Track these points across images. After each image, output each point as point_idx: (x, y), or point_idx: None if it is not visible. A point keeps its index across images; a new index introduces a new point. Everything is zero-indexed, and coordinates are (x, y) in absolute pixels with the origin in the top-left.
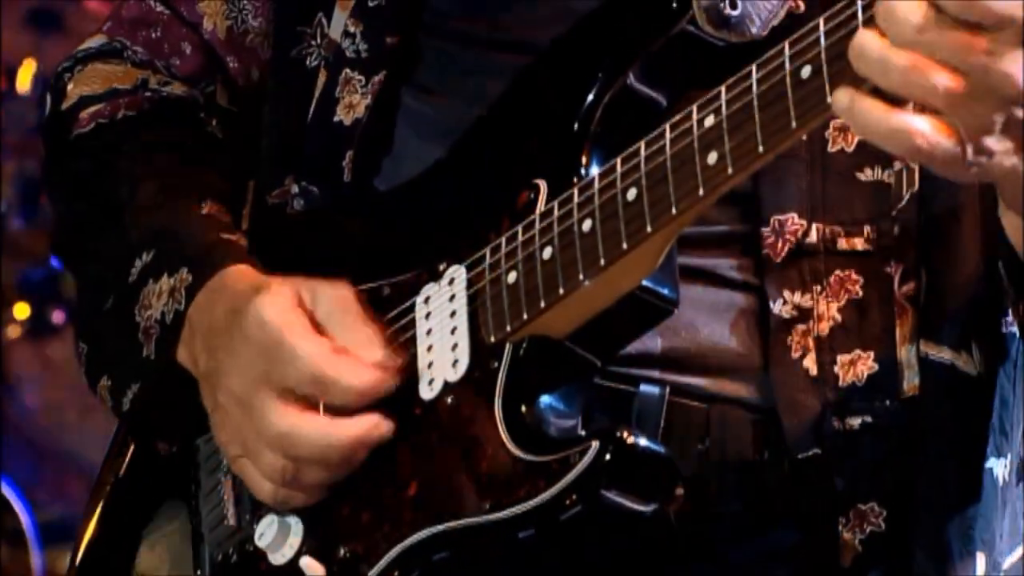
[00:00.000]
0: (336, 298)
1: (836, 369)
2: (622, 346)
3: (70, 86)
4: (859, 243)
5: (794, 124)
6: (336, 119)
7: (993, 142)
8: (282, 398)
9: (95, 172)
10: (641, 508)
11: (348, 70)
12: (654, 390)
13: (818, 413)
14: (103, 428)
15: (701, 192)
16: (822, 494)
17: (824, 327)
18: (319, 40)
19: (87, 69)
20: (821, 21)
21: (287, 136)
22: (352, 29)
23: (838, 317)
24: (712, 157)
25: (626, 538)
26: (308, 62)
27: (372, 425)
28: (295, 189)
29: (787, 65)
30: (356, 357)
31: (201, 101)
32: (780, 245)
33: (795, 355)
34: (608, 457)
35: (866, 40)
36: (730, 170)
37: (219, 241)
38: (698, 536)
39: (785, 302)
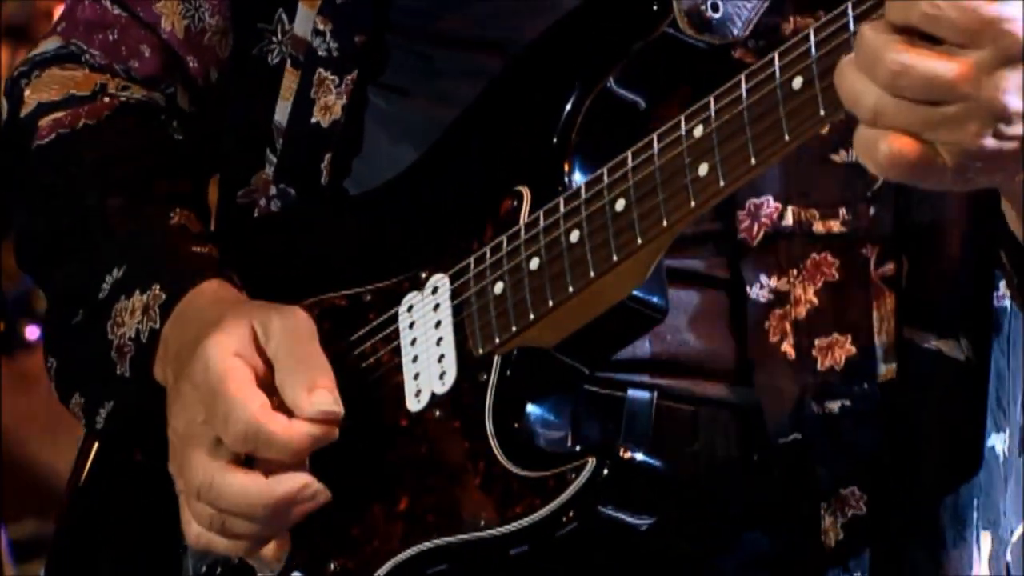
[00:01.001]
0: (287, 333)
1: (814, 353)
2: (611, 354)
3: (27, 92)
4: (835, 225)
5: (787, 137)
6: (313, 121)
7: (978, 161)
8: (212, 450)
9: (59, 184)
10: (637, 522)
11: (321, 70)
12: (643, 395)
13: (797, 398)
14: (78, 442)
15: (692, 204)
16: (804, 480)
17: (801, 311)
18: (280, 37)
19: (44, 75)
20: (812, 31)
21: (252, 135)
22: (321, 27)
23: (815, 300)
24: (703, 169)
25: (621, 551)
26: (269, 59)
27: (301, 485)
28: (272, 191)
29: (778, 76)
30: (305, 401)
31: (162, 103)
32: (756, 229)
33: (773, 339)
34: (605, 474)
35: (842, 72)
36: (722, 182)
37: (191, 255)
38: (691, 543)
39: (762, 286)
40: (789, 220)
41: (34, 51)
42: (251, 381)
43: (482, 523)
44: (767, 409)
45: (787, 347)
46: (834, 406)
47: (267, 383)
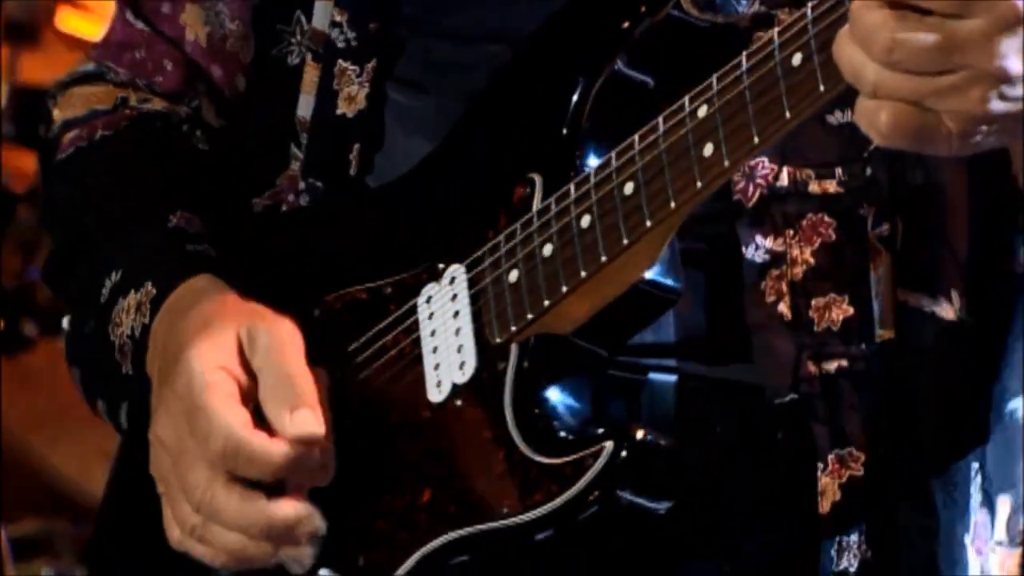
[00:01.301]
0: (273, 347)
1: (811, 313)
2: (629, 337)
3: (55, 111)
4: (831, 186)
5: (788, 114)
6: (339, 112)
7: (983, 125)
8: (212, 465)
9: (71, 197)
10: (655, 506)
11: (341, 61)
12: (665, 378)
13: (794, 358)
14: (78, 441)
15: (699, 185)
16: (800, 440)
17: (798, 271)
18: (299, 37)
19: (69, 93)
20: (809, 7)
21: (274, 136)
22: (338, 18)
23: (811, 261)
24: (708, 149)
25: (641, 536)
26: (289, 60)
27: (300, 515)
28: (301, 185)
29: (777, 53)
30: (287, 421)
31: (183, 115)
32: (751, 190)
33: (769, 299)
34: (622, 457)
35: (840, 46)
36: (726, 162)
37: (184, 254)
38: (713, 529)
39: (758, 247)
40: (784, 181)
41: (65, 74)
42: (234, 396)
43: (504, 511)
44: (764, 371)
45: (783, 308)
46: (831, 366)
47: (251, 396)
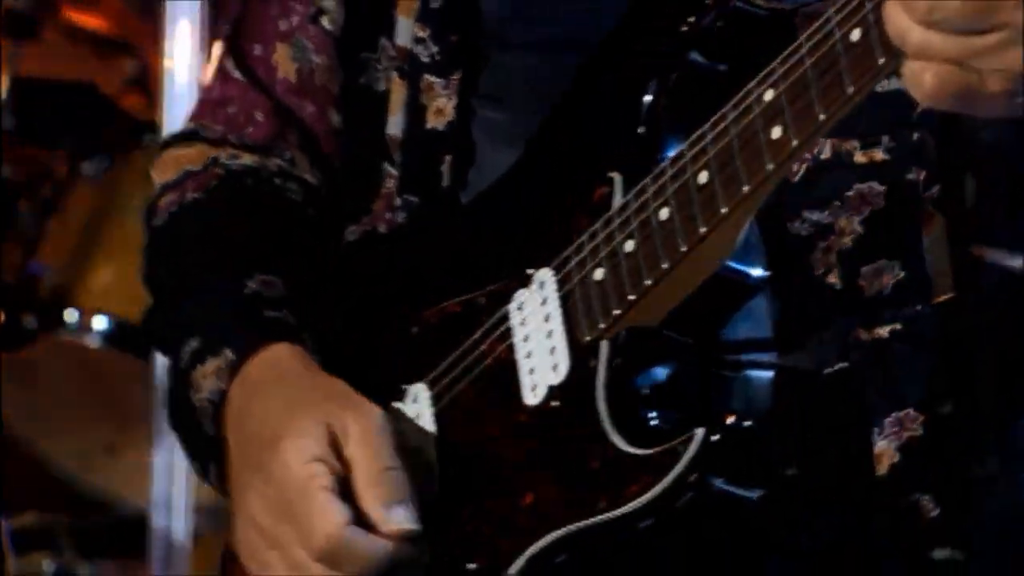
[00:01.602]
0: (364, 438)
1: (860, 281)
2: (716, 326)
3: (155, 176)
4: (877, 155)
5: (851, 89)
6: (429, 126)
7: None
8: (309, 557)
9: (162, 263)
10: (747, 494)
11: (427, 75)
12: (760, 374)
13: (844, 327)
14: (78, 435)
15: (770, 167)
16: (853, 407)
17: (847, 241)
18: (385, 63)
19: (165, 156)
20: None
21: (365, 164)
22: (421, 34)
23: (860, 229)
24: (776, 131)
25: (734, 525)
26: (375, 87)
27: None
28: (397, 201)
29: (836, 31)
30: (385, 518)
31: (274, 168)
32: (796, 164)
33: (818, 272)
34: (713, 442)
35: (887, 13)
36: (795, 142)
37: (261, 320)
38: (800, 517)
39: (803, 220)
40: (828, 153)
41: (165, 136)
42: (333, 491)
43: (603, 505)
44: (812, 343)
45: (833, 278)
46: (883, 331)
47: (346, 487)
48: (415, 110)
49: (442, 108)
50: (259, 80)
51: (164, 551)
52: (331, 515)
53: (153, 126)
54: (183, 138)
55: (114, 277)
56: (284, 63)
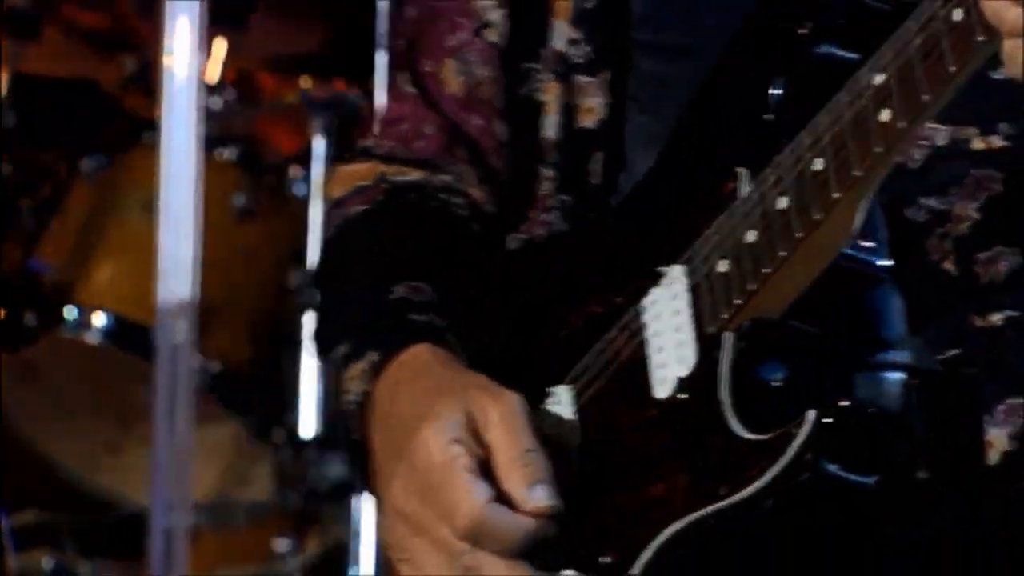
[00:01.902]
0: (504, 422)
1: (976, 268)
2: (837, 316)
3: (330, 191)
4: (996, 141)
5: (952, 68)
6: (579, 125)
7: None
8: (454, 536)
9: (325, 276)
10: (863, 479)
11: (578, 76)
12: (876, 360)
13: (958, 313)
14: (79, 432)
15: (879, 150)
16: (965, 395)
17: (963, 227)
18: (543, 72)
19: (339, 172)
20: None
21: (524, 172)
22: (574, 35)
23: (976, 216)
24: (885, 114)
25: (850, 513)
26: (536, 96)
27: None
28: (551, 202)
29: (939, 12)
30: (527, 497)
31: (439, 184)
32: (913, 151)
33: (934, 258)
34: (826, 424)
35: None
36: (902, 123)
37: (405, 322)
38: (913, 510)
39: (920, 207)
40: (945, 140)
41: (345, 154)
42: (474, 471)
43: (723, 492)
44: (926, 330)
45: (948, 264)
46: (997, 319)
47: (487, 470)
48: (568, 110)
49: (592, 107)
50: (429, 95)
51: (164, 549)
52: (473, 493)
53: (153, 124)
54: (360, 153)
55: (114, 274)
56: (451, 78)
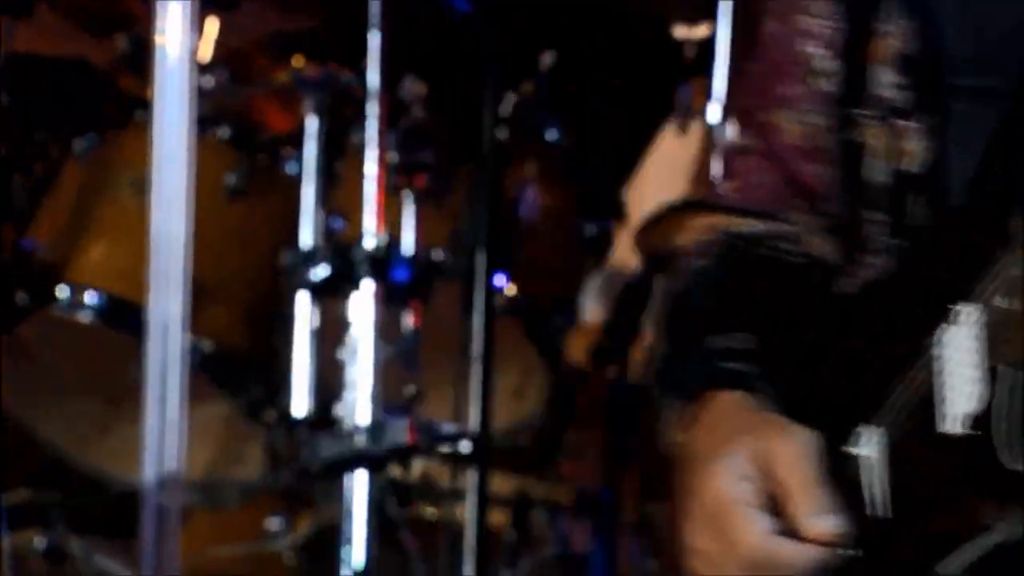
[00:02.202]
0: (794, 459)
1: None
2: None
3: (672, 239)
4: None
5: None
6: (902, 168)
7: None
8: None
9: (665, 329)
10: None
11: (900, 121)
12: None
13: None
14: (71, 412)
15: None
16: None
17: None
18: (868, 116)
19: (685, 222)
20: None
21: (850, 217)
22: (898, 80)
23: None
24: None
25: None
26: (859, 140)
27: None
28: (877, 245)
29: None
30: (815, 525)
31: (778, 233)
32: None
33: None
34: None
35: None
36: None
37: (712, 371)
38: None
39: None
40: None
41: (677, 201)
42: (759, 506)
43: (1001, 527)
44: None
45: None
46: None
47: (777, 506)
48: (892, 153)
49: (914, 150)
50: (767, 146)
51: (156, 527)
52: (754, 525)
53: (145, 103)
54: (698, 206)
55: (107, 253)
56: (788, 127)
